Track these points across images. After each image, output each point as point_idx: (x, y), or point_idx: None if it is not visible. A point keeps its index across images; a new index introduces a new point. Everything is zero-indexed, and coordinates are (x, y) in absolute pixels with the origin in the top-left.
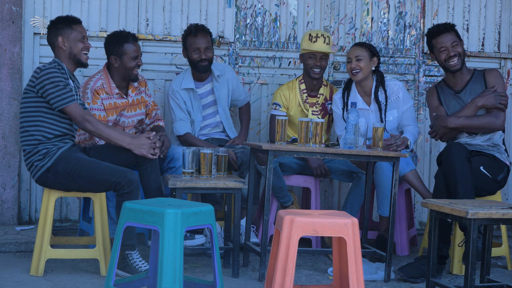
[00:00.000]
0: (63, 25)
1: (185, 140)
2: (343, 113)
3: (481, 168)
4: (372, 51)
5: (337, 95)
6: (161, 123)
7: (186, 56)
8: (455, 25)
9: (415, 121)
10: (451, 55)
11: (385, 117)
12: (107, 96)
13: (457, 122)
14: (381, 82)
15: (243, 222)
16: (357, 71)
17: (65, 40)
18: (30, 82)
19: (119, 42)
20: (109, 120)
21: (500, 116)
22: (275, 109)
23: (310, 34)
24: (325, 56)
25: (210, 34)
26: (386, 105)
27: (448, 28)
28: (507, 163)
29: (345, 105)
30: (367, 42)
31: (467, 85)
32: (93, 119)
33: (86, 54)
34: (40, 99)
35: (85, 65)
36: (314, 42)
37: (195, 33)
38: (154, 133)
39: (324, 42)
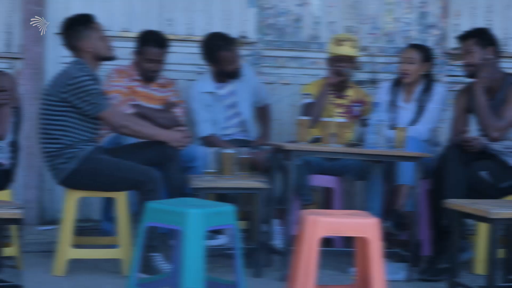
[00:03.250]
0: (80, 27)
1: (209, 142)
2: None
3: (482, 173)
4: (426, 55)
5: (386, 83)
6: (176, 110)
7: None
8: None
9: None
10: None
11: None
12: (129, 79)
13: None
14: (428, 88)
15: (275, 222)
16: (406, 74)
17: (88, 42)
18: (58, 87)
19: (140, 42)
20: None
21: None
22: (306, 98)
23: (337, 38)
24: (351, 59)
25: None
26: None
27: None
28: None
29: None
30: (419, 44)
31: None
32: (129, 123)
33: (109, 48)
34: (68, 104)
35: (113, 58)
36: (341, 46)
37: (226, 47)
38: (183, 127)
39: (351, 46)
